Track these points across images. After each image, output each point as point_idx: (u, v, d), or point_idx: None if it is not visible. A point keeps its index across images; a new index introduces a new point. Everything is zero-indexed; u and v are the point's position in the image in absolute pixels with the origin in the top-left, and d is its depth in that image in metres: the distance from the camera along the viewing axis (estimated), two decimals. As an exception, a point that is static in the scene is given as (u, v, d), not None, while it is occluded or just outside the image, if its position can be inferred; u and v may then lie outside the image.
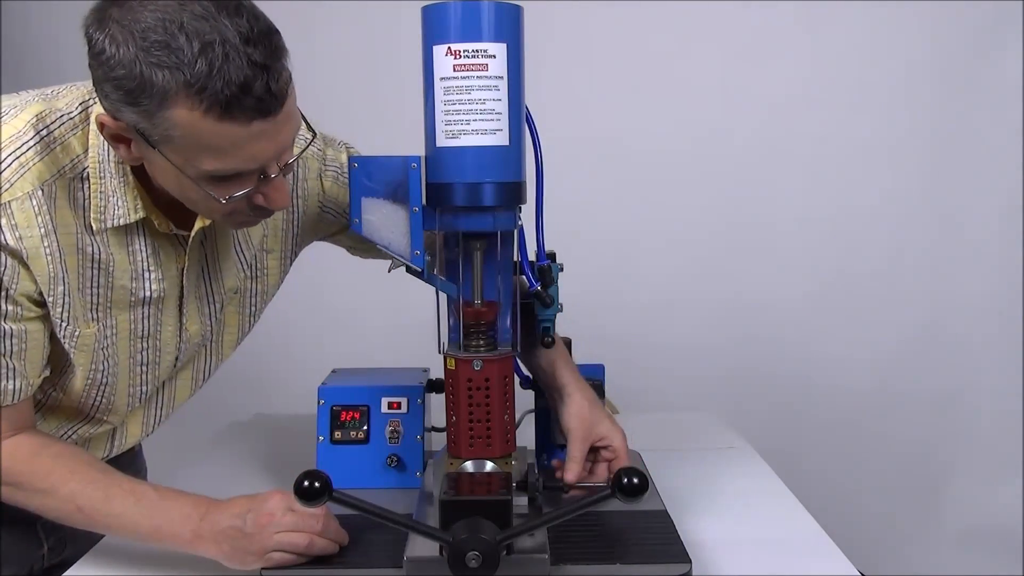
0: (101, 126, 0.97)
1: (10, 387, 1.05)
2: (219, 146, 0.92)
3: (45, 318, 1.05)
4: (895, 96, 2.35)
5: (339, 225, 1.32)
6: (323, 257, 1.52)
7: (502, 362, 1.15)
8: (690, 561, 1.04)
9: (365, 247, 1.38)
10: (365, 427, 1.32)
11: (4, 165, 0.99)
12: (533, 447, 1.39)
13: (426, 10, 1.05)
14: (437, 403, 1.29)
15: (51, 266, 1.02)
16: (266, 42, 0.91)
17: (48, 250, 1.01)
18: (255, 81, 0.89)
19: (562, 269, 1.25)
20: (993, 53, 2.31)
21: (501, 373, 1.14)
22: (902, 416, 2.44)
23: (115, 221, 1.05)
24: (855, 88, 2.35)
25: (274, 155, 0.97)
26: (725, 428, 1.72)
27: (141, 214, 1.06)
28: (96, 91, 0.94)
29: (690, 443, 1.61)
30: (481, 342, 1.15)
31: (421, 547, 1.03)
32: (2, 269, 0.99)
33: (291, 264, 1.32)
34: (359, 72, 2.32)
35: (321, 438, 1.32)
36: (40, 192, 1.00)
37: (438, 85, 1.04)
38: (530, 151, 1.14)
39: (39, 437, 1.11)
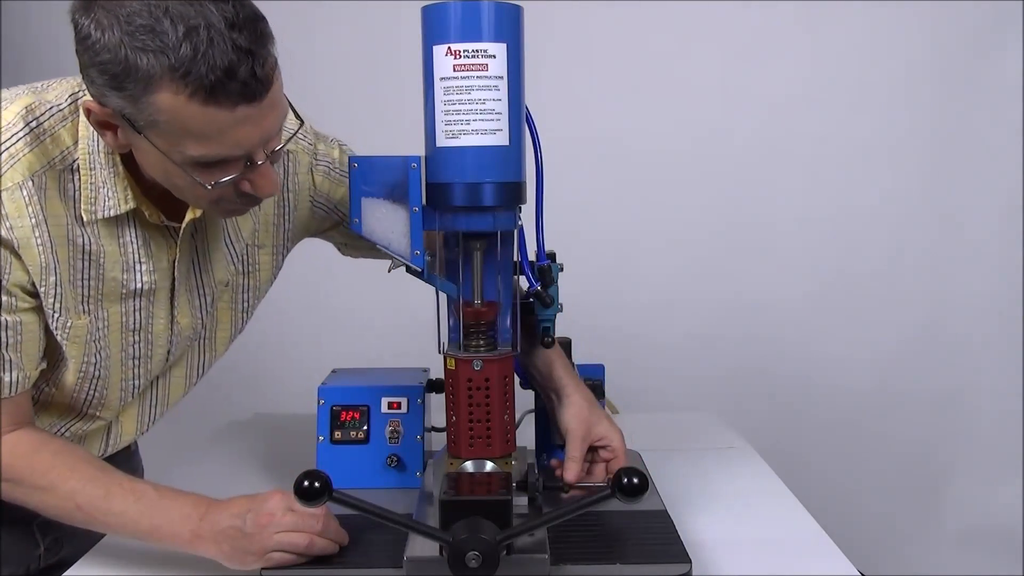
0: (88, 112, 0.97)
1: (7, 379, 1.05)
2: (204, 131, 0.92)
3: (39, 309, 1.05)
4: (895, 96, 2.35)
5: (331, 221, 1.32)
6: (323, 257, 1.52)
7: (502, 362, 1.15)
8: (690, 561, 1.04)
9: (356, 245, 1.38)
10: (365, 427, 1.32)
11: None
12: (533, 447, 1.39)
13: (426, 10, 1.05)
14: (437, 403, 1.29)
15: (42, 256, 1.02)
16: (251, 27, 0.91)
17: (39, 240, 1.01)
18: (240, 66, 0.89)
19: (562, 269, 1.26)
20: (993, 53, 2.31)
21: (501, 373, 1.14)
22: (902, 416, 2.44)
23: (105, 212, 1.05)
24: (855, 88, 2.35)
25: (260, 141, 0.97)
26: (725, 428, 1.72)
27: (131, 205, 1.06)
28: (83, 77, 0.94)
29: (690, 443, 1.61)
30: (481, 342, 1.15)
31: (421, 547, 1.03)
32: None
33: (283, 260, 1.32)
34: (359, 72, 2.32)
35: (321, 438, 1.32)
36: (30, 183, 1.00)
37: (438, 85, 1.04)
38: (530, 151, 1.14)
39: (39, 433, 1.11)
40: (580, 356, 1.36)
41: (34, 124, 1.02)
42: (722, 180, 2.38)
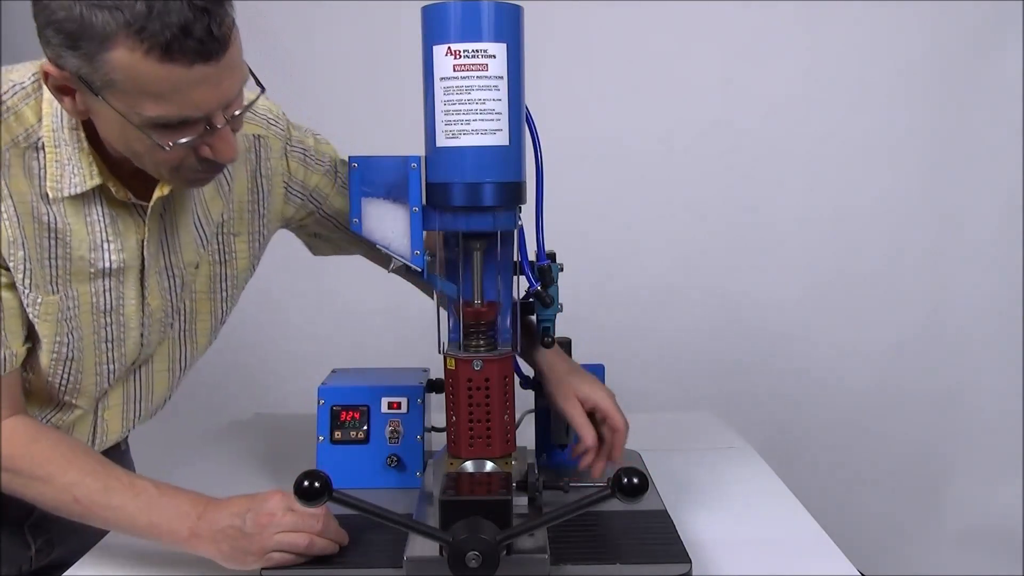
0: (45, 76, 0.96)
1: None
2: (161, 90, 0.91)
3: (14, 286, 1.05)
4: (895, 95, 2.35)
5: (306, 209, 1.32)
6: (323, 257, 1.52)
7: (502, 362, 1.15)
8: (690, 561, 1.04)
9: (325, 241, 1.38)
10: (365, 427, 1.32)
11: None
12: (533, 447, 1.39)
13: (426, 10, 1.05)
14: (437, 403, 1.29)
15: (9, 230, 1.02)
16: None
17: (5, 215, 1.01)
18: (195, 24, 0.88)
19: (562, 269, 1.26)
20: (993, 53, 2.31)
21: (501, 373, 1.14)
22: (902, 416, 2.43)
23: (72, 190, 1.05)
24: (855, 87, 2.35)
25: (218, 104, 0.96)
26: (725, 428, 1.72)
27: (97, 181, 1.05)
28: (40, 39, 0.94)
29: (690, 443, 1.61)
30: (481, 342, 1.15)
31: (421, 547, 1.03)
32: None
33: (261, 249, 1.30)
34: (359, 72, 2.32)
35: (321, 438, 1.32)
36: None
37: (438, 85, 1.04)
38: (530, 151, 1.14)
39: (35, 423, 1.10)
40: (580, 356, 1.36)
41: None
42: (722, 180, 2.38)
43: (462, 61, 1.03)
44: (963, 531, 2.46)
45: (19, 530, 1.25)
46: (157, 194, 1.10)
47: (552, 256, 1.25)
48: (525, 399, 1.32)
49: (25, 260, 1.04)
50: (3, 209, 1.01)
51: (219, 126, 0.98)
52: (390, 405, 1.33)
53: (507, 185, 1.07)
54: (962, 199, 2.38)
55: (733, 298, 2.41)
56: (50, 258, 1.07)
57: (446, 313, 1.19)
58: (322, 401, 1.34)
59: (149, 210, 1.11)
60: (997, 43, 2.31)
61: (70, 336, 1.12)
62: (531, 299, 1.24)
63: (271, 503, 1.04)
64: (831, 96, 2.35)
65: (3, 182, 1.01)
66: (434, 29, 1.04)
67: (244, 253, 1.27)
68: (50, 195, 1.05)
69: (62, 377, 1.14)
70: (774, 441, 1.84)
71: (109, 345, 1.16)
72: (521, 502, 1.16)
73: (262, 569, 1.03)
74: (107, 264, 1.11)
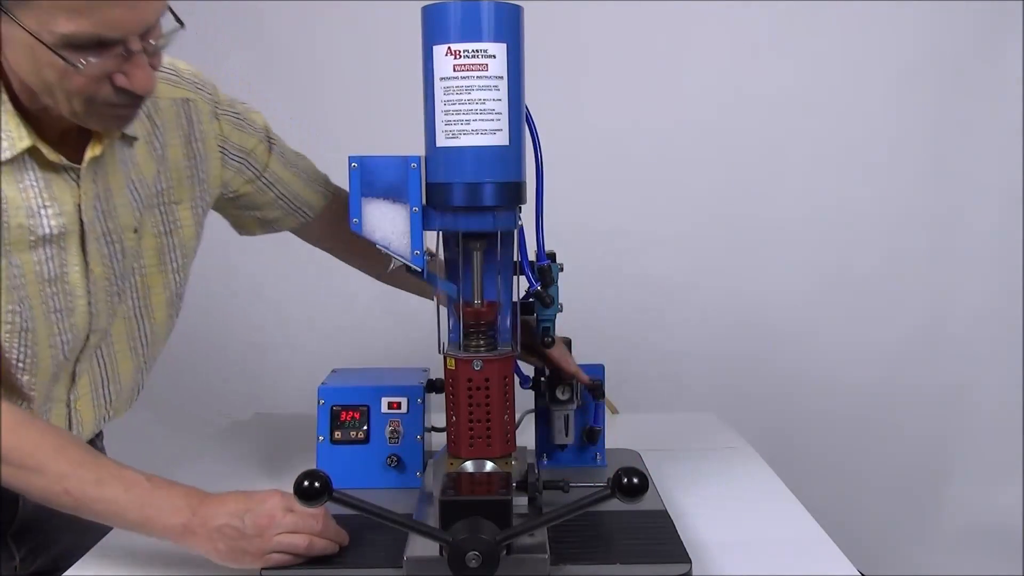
0: None
1: None
2: (74, 4, 0.90)
3: None
4: (896, 95, 2.35)
5: (244, 176, 1.32)
6: (323, 256, 1.53)
7: (502, 362, 1.15)
8: (690, 561, 1.04)
9: (250, 220, 1.37)
10: (365, 427, 1.32)
11: None
12: (533, 447, 1.39)
13: (426, 10, 1.05)
14: (437, 403, 1.29)
15: None
16: None
17: None
18: None
19: (562, 269, 1.26)
20: (993, 53, 2.31)
21: (501, 373, 1.14)
22: (902, 416, 2.43)
23: (2, 155, 1.03)
24: (855, 87, 2.34)
25: (136, 26, 0.95)
26: (725, 428, 1.72)
27: (28, 142, 1.04)
28: None
29: (690, 443, 1.61)
30: (481, 342, 1.15)
31: (421, 547, 1.03)
32: None
33: (205, 216, 1.30)
34: (359, 72, 2.32)
35: (321, 438, 1.32)
36: None
37: (438, 85, 1.04)
38: (530, 151, 1.14)
39: (21, 410, 1.08)
40: (580, 356, 1.36)
41: None
42: (723, 180, 2.38)
43: (462, 61, 1.03)
44: (963, 531, 2.46)
45: (2, 539, 1.23)
46: (89, 154, 1.09)
47: (552, 256, 1.25)
48: (525, 399, 1.32)
49: None
50: None
51: (135, 50, 0.96)
52: (390, 405, 1.32)
53: (507, 185, 1.07)
54: (963, 199, 2.38)
55: (733, 298, 2.41)
56: None
57: (446, 313, 1.19)
58: (322, 401, 1.34)
59: (82, 172, 1.10)
60: (997, 43, 2.31)
61: (20, 305, 1.09)
62: (531, 299, 1.24)
63: (270, 504, 1.03)
64: (831, 96, 2.35)
65: None
66: (434, 29, 1.04)
67: (189, 222, 1.26)
68: None
69: (19, 351, 1.12)
70: (774, 441, 1.83)
71: (59, 316, 1.14)
72: (521, 502, 1.16)
73: (262, 569, 1.03)
74: (47, 230, 1.09)
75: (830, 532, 1.21)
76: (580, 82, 2.29)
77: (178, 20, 1.03)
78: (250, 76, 2.14)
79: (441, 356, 1.17)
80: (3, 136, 1.03)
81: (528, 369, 1.37)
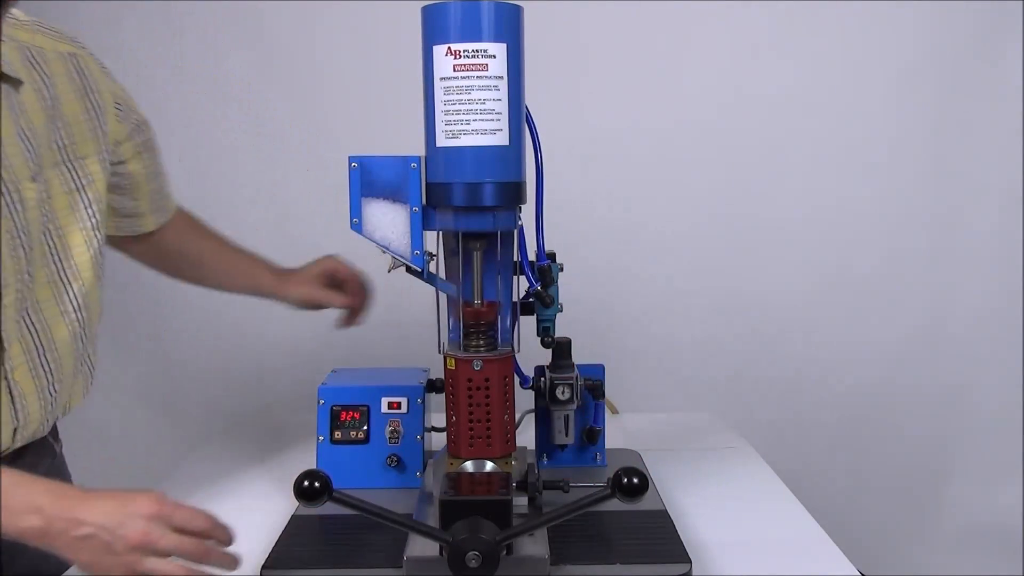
0: None
1: None
2: None
3: None
4: (895, 95, 2.34)
5: (132, 145, 1.31)
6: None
7: (502, 362, 1.15)
8: (690, 561, 1.04)
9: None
10: (365, 427, 1.32)
11: None
12: (533, 447, 1.39)
13: (426, 10, 1.05)
14: (437, 403, 1.29)
15: None
16: None
17: None
18: None
19: (562, 269, 1.26)
20: (993, 53, 2.31)
21: (501, 373, 1.14)
22: (902, 416, 2.43)
23: None
24: (855, 87, 2.34)
25: None
26: (725, 428, 1.72)
27: None
28: None
29: (690, 443, 1.61)
30: (481, 342, 1.15)
31: (421, 547, 1.03)
32: None
33: (111, 171, 1.27)
34: (359, 72, 2.31)
35: (321, 438, 1.32)
36: None
37: (438, 85, 1.04)
38: (530, 151, 1.14)
39: None
40: (580, 356, 1.36)
41: None
42: (723, 180, 2.38)
43: (462, 61, 1.03)
44: (963, 531, 2.46)
45: None
46: None
47: (552, 256, 1.25)
48: (525, 399, 1.32)
49: None
50: None
51: None
52: (390, 405, 1.33)
53: (507, 185, 1.07)
54: (963, 199, 2.38)
55: (733, 298, 2.41)
56: None
57: (446, 313, 1.19)
58: (322, 401, 1.34)
59: None
60: (997, 44, 2.31)
61: None
62: (531, 299, 1.24)
63: (146, 515, 0.91)
64: (831, 96, 2.35)
65: None
66: (434, 29, 1.04)
67: (99, 175, 1.23)
68: None
69: None
70: (774, 441, 1.84)
71: None
72: (521, 502, 1.16)
73: (262, 569, 1.03)
74: None
75: (830, 532, 1.21)
76: (580, 82, 2.29)
77: None
78: (250, 76, 2.15)
79: (441, 356, 1.17)
80: None
81: (528, 369, 1.37)
